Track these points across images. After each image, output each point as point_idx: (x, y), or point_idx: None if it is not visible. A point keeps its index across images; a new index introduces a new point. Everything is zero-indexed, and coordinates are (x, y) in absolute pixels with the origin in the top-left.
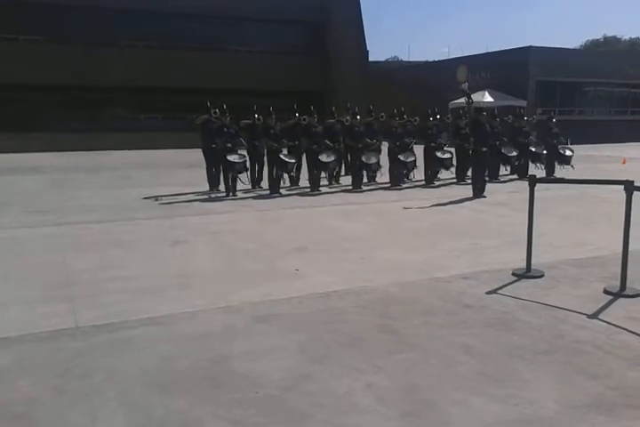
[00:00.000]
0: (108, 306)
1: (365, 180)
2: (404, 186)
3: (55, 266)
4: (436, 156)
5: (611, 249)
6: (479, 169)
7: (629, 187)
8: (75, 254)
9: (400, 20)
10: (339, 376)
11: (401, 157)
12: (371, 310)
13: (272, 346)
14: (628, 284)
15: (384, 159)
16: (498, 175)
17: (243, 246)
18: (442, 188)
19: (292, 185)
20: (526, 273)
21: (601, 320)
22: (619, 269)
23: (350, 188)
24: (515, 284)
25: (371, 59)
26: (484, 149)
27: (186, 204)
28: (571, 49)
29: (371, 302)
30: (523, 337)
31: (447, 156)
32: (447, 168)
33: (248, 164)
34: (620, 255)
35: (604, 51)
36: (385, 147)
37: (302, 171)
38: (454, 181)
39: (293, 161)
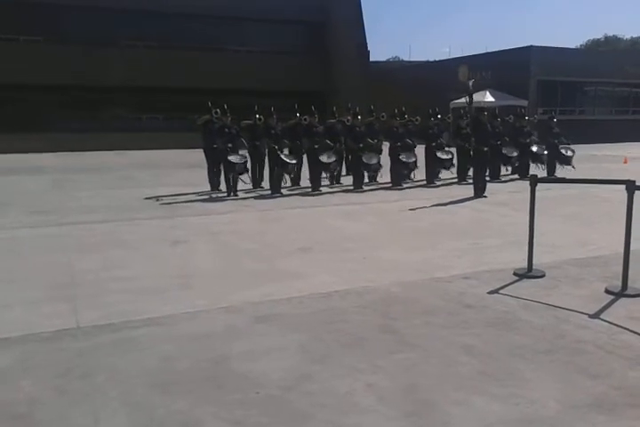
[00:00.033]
0: (109, 306)
1: (366, 180)
2: (405, 186)
3: (57, 266)
4: (437, 156)
5: (612, 249)
6: (480, 169)
7: (631, 186)
8: (76, 255)
9: (401, 19)
10: (339, 376)
11: (402, 158)
12: (372, 310)
13: (273, 346)
14: (630, 283)
15: (385, 159)
16: (499, 175)
17: (244, 246)
18: (443, 187)
19: (293, 185)
20: (527, 273)
21: (602, 320)
22: (620, 269)
23: (351, 188)
24: (516, 284)
25: (372, 59)
26: (485, 148)
27: (187, 204)
28: (572, 48)
29: (372, 301)
30: (524, 337)
31: (448, 156)
32: (447, 168)
33: (249, 164)
34: (622, 255)
35: (605, 50)
36: (386, 147)
37: (303, 171)
38: (455, 180)
39: (294, 162)
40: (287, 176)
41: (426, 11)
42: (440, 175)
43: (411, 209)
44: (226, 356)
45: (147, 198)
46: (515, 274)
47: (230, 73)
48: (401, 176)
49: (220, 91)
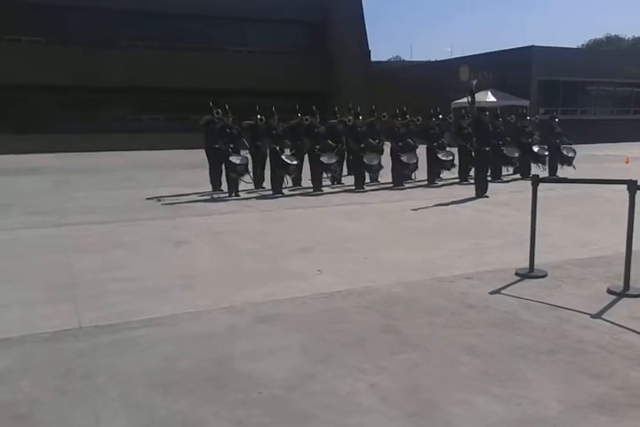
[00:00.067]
0: (110, 307)
1: (368, 180)
2: (406, 186)
3: (58, 267)
4: (438, 157)
5: (614, 249)
6: (482, 169)
7: (632, 186)
8: (77, 255)
9: (402, 19)
10: (342, 376)
11: (403, 159)
12: (374, 311)
13: (275, 346)
14: (632, 283)
15: (386, 159)
16: (500, 175)
17: (245, 247)
18: (444, 187)
19: (294, 185)
20: (529, 273)
21: (604, 320)
22: (622, 269)
23: (353, 188)
24: (518, 284)
25: (373, 59)
26: (487, 148)
27: (188, 204)
28: (573, 48)
29: (374, 302)
30: (526, 337)
31: (449, 158)
32: (448, 169)
33: (250, 165)
34: (624, 255)
35: (607, 50)
36: (387, 147)
37: (305, 171)
38: (457, 180)
39: (295, 163)
40: (288, 177)
41: (427, 10)
42: (441, 175)
43: (412, 209)
44: (228, 356)
45: (148, 199)
46: (516, 274)
47: (231, 73)
48: (402, 176)
49: (221, 91)
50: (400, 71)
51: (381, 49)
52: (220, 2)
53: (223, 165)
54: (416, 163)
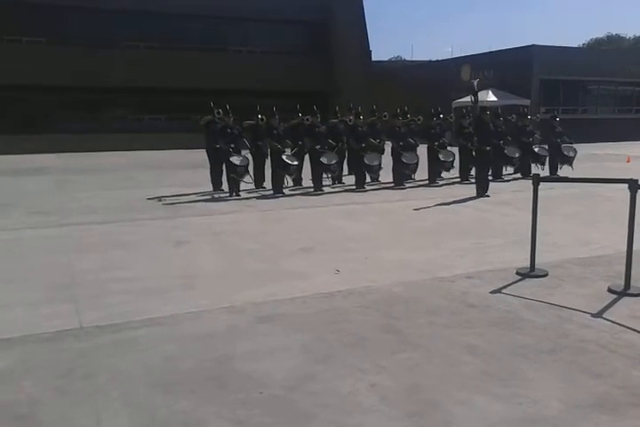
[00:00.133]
0: (111, 307)
1: (368, 180)
2: (407, 186)
3: (59, 267)
4: (438, 158)
5: (615, 248)
6: (482, 168)
7: (633, 185)
8: (79, 255)
9: (403, 19)
10: (342, 376)
11: (404, 159)
12: (374, 310)
13: (276, 346)
14: (633, 282)
15: (387, 159)
16: (501, 174)
17: (246, 247)
18: (445, 187)
19: (295, 185)
20: (530, 272)
21: (605, 319)
22: (623, 268)
23: (353, 187)
24: (519, 283)
25: (374, 58)
26: (488, 148)
27: (189, 204)
28: (574, 47)
29: (374, 301)
30: (527, 336)
31: (449, 159)
32: (447, 170)
33: (251, 165)
34: (625, 254)
35: (608, 49)
36: (388, 147)
37: (305, 171)
38: (458, 180)
39: (296, 163)
40: (288, 177)
41: (428, 10)
42: (442, 175)
43: (413, 209)
44: (229, 356)
45: (149, 199)
46: (517, 273)
47: (231, 73)
48: (403, 176)
49: (222, 91)
50: (401, 71)
51: (382, 49)
52: (220, 2)
53: (224, 165)
54: (417, 163)
